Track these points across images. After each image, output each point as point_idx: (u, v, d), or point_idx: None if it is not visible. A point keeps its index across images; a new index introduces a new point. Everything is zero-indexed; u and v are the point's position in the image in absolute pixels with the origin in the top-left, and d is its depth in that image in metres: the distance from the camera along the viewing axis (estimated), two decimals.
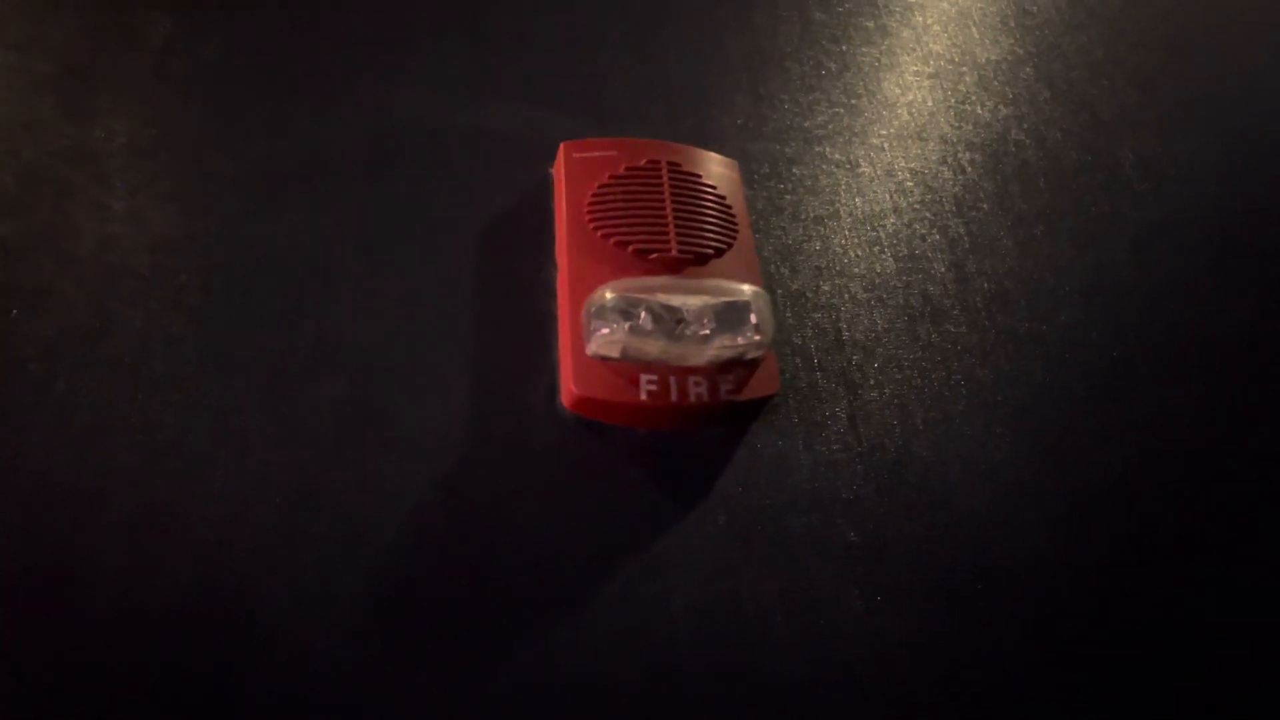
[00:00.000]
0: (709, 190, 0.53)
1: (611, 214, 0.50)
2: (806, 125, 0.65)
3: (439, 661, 0.41)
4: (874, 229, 0.61)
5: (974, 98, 0.71)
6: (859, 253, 0.59)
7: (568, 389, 0.47)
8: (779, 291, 0.56)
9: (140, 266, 0.48)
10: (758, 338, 0.46)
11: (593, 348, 0.45)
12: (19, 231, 0.48)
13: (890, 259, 0.60)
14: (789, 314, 0.55)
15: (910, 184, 0.64)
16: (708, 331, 0.45)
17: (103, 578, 0.40)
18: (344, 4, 0.62)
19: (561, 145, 0.54)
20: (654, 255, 0.49)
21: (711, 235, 0.51)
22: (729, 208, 0.53)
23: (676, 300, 0.46)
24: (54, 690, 0.38)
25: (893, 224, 0.62)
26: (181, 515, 0.42)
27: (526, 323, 0.51)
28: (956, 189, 0.65)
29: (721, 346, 0.45)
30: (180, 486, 0.43)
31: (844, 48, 0.71)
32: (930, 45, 0.74)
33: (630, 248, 0.49)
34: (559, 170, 0.54)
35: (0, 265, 0.47)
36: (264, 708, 0.39)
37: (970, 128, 0.69)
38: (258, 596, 0.41)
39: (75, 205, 0.49)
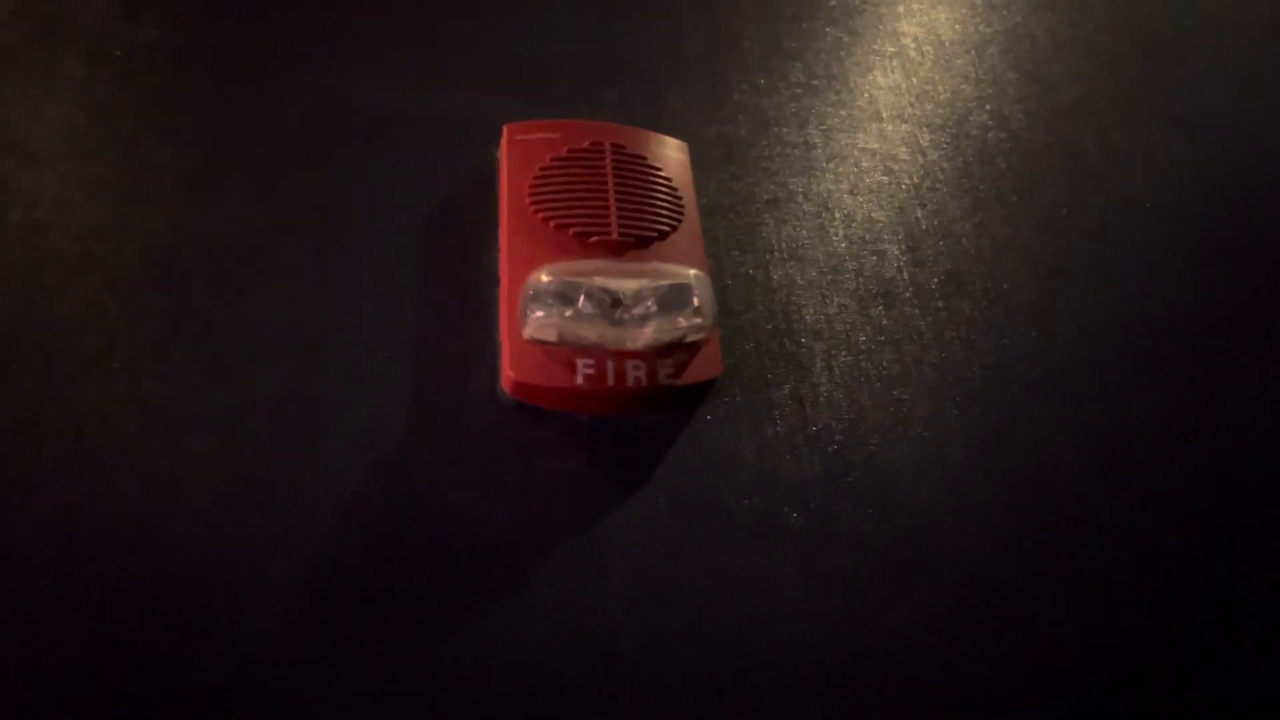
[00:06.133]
0: (654, 172, 0.52)
1: (552, 197, 0.49)
2: (763, 106, 0.64)
3: (377, 646, 0.41)
4: (828, 211, 0.60)
5: (937, 79, 0.70)
6: (812, 235, 0.59)
7: (506, 374, 0.46)
8: (728, 274, 0.55)
9: (69, 255, 0.48)
10: (698, 320, 0.45)
11: (529, 331, 0.45)
12: None
13: (844, 241, 0.59)
14: (738, 297, 0.55)
15: (867, 165, 0.63)
16: (647, 315, 0.45)
17: (34, 567, 0.40)
18: None
19: (505, 127, 0.54)
20: (595, 238, 0.48)
21: (655, 218, 0.50)
22: (675, 190, 0.52)
23: (615, 283, 0.45)
24: None
25: (848, 206, 0.61)
26: (114, 504, 0.42)
27: (469, 308, 0.50)
28: (915, 171, 0.64)
29: (660, 329, 0.45)
30: (113, 475, 0.43)
31: (804, 26, 0.70)
32: (894, 25, 0.73)
33: (571, 231, 0.48)
34: (503, 153, 0.53)
35: None
36: (200, 694, 0.39)
37: (932, 109, 0.68)
38: (193, 583, 0.41)
39: (2, 193, 0.49)
